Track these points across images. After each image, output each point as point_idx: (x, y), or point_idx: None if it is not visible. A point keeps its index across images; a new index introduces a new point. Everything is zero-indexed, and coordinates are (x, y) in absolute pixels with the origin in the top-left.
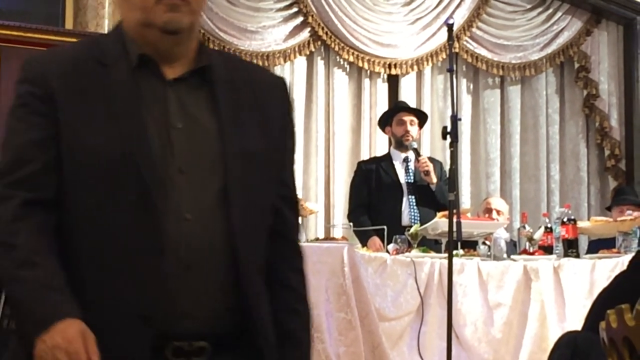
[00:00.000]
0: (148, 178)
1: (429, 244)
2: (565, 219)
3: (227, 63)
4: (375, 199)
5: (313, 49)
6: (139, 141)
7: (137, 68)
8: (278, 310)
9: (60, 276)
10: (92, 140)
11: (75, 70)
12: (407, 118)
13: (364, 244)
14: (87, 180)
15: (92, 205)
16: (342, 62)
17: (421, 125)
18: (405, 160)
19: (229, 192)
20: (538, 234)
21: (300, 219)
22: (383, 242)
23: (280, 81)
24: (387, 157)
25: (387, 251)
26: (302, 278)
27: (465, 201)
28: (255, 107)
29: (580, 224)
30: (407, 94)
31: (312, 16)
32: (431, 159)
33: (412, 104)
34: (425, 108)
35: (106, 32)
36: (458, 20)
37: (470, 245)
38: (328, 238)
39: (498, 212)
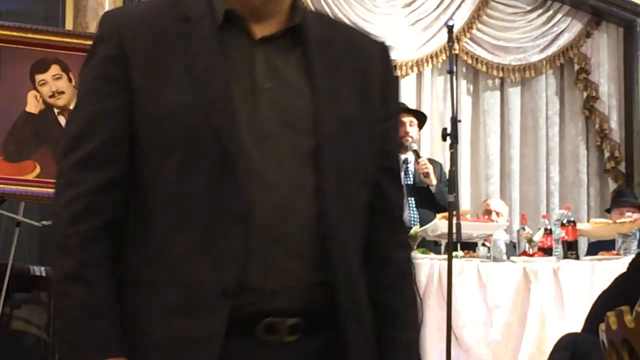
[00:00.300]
0: (231, 143)
1: (429, 246)
2: (564, 221)
3: (323, 24)
4: None
5: None
6: (222, 103)
7: (223, 25)
8: (377, 287)
9: (107, 298)
10: (171, 103)
11: (155, 26)
12: (407, 119)
13: None
14: (166, 146)
15: (171, 173)
16: None
17: (421, 126)
18: (405, 161)
19: (320, 159)
20: (537, 236)
21: None
22: None
23: (382, 45)
24: None
25: None
26: (407, 254)
27: (465, 203)
28: (353, 72)
29: (579, 225)
30: (407, 95)
31: None
32: (431, 161)
33: (412, 105)
34: (425, 109)
35: None
36: (458, 22)
37: (469, 247)
38: None
39: (497, 213)
